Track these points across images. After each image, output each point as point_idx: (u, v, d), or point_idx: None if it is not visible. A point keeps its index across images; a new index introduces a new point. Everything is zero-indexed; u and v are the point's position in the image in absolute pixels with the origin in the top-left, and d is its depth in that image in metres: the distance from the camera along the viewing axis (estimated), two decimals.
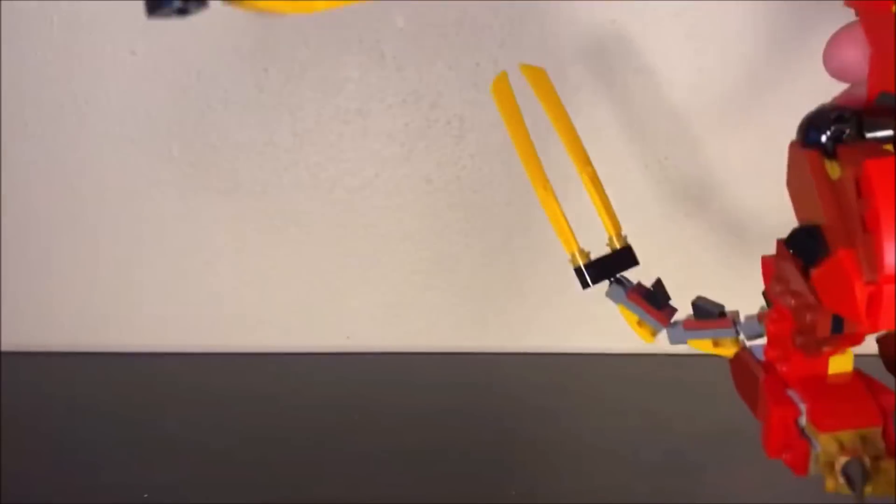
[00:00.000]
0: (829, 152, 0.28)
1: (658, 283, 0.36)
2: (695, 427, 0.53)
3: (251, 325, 0.63)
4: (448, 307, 0.62)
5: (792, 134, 0.30)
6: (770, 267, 0.31)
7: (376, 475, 0.49)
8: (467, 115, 0.55)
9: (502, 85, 0.36)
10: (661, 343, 0.36)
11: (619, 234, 0.36)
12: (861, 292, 0.26)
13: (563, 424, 0.55)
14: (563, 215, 0.36)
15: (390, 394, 0.58)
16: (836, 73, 0.30)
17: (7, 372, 0.64)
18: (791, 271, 0.30)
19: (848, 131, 0.28)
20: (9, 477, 0.49)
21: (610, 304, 0.36)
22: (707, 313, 0.34)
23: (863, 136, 0.28)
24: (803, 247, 0.28)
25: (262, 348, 0.64)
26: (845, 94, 0.31)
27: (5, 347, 0.66)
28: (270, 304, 0.62)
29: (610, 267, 0.36)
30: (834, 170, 0.28)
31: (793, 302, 0.30)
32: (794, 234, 0.29)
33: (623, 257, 0.36)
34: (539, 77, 0.37)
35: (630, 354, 0.59)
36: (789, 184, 0.30)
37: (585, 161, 0.36)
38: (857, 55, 0.29)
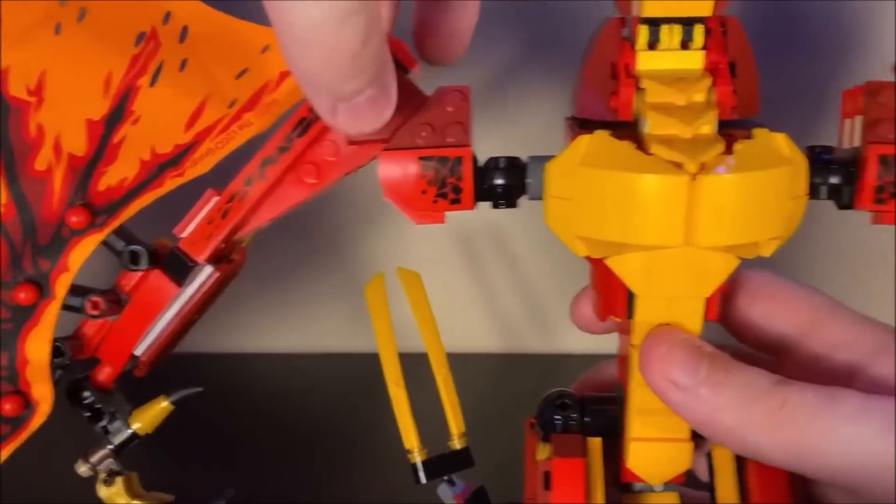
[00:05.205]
0: (543, 437, 0.30)
1: (481, 490, 0.38)
2: None
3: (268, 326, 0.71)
4: None
5: None
6: None
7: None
8: None
9: (377, 285, 0.41)
10: None
11: (460, 435, 0.39)
12: None
13: None
14: (410, 413, 0.39)
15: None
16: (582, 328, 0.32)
17: None
18: None
19: (575, 418, 0.30)
20: (9, 477, 0.49)
21: None
22: None
23: (583, 424, 0.30)
24: None
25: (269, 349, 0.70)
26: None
27: None
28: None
29: (446, 466, 0.39)
30: (542, 452, 0.30)
31: None
32: None
33: (460, 458, 0.39)
34: (413, 280, 0.41)
35: None
36: (525, 457, 0.32)
37: (441, 363, 0.40)
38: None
